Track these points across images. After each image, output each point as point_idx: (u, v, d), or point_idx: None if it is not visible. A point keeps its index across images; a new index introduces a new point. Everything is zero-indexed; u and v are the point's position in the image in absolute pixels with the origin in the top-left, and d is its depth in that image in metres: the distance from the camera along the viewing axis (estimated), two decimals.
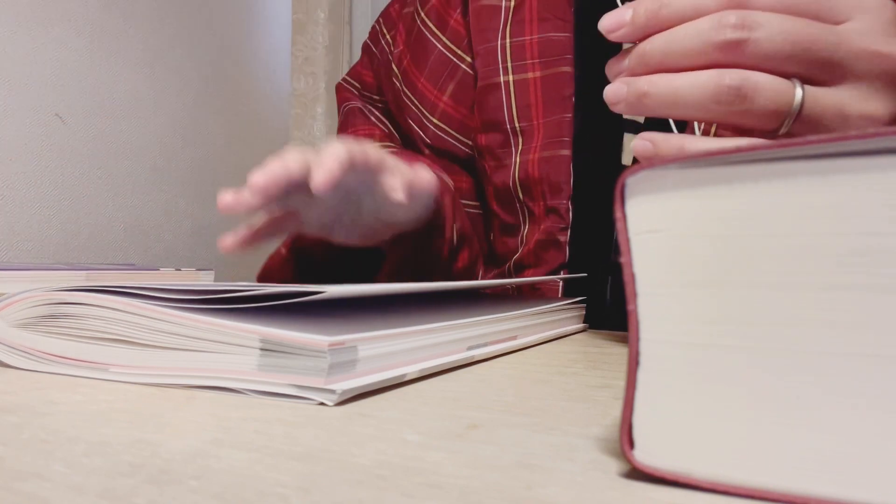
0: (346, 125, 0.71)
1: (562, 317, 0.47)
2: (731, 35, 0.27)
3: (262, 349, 0.22)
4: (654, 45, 0.30)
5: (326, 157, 0.36)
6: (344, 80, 0.76)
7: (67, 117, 0.95)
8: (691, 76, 0.29)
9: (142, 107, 1.06)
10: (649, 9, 0.30)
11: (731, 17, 0.27)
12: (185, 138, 1.14)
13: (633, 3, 0.30)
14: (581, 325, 0.52)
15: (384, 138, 0.69)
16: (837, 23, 0.29)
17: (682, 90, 0.29)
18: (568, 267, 0.56)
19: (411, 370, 0.25)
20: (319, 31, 1.30)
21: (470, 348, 0.32)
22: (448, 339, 0.30)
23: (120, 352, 0.24)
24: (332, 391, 0.21)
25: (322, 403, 0.21)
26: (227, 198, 0.36)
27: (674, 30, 0.29)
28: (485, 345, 0.33)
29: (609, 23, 0.31)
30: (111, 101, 1.01)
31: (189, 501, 0.13)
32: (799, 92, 0.28)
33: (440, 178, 0.57)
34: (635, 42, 0.31)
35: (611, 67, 0.32)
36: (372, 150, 0.41)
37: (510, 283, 0.37)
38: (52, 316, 0.25)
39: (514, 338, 0.38)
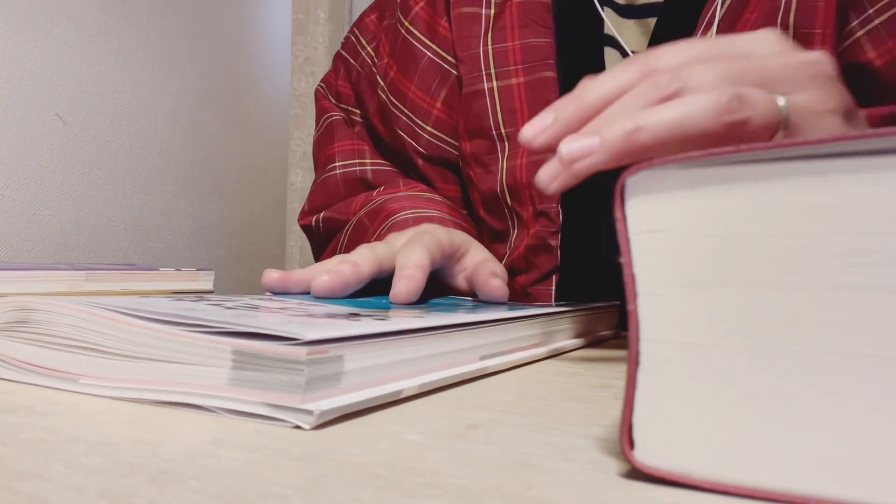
0: (331, 138, 0.70)
1: (587, 321, 0.43)
2: (672, 88, 0.27)
3: (234, 359, 0.19)
4: (598, 121, 0.28)
5: (411, 267, 0.37)
6: (320, 86, 0.74)
7: (67, 117, 0.95)
8: (685, 100, 0.27)
9: (142, 107, 1.06)
10: (570, 103, 0.28)
11: (662, 78, 0.27)
12: (184, 138, 1.14)
13: (550, 106, 0.29)
14: (611, 332, 0.48)
15: (374, 155, 0.68)
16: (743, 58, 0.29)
17: (685, 112, 0.26)
18: (560, 270, 0.56)
19: (409, 385, 0.22)
20: (319, 31, 1.30)
21: (483, 358, 0.28)
22: (456, 347, 0.26)
23: (90, 361, 0.22)
24: (309, 412, 0.18)
25: (298, 427, 0.18)
26: (273, 277, 0.38)
27: (607, 110, 0.28)
28: (501, 354, 0.30)
29: (531, 131, 0.29)
30: (111, 101, 1.01)
31: (189, 501, 0.13)
32: (780, 98, 0.28)
33: (463, 222, 0.59)
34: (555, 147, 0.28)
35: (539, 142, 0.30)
36: (447, 241, 0.44)
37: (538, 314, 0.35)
38: (23, 321, 0.24)
39: (536, 346, 0.34)
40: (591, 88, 0.29)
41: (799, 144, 0.13)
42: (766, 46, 0.29)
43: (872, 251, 0.13)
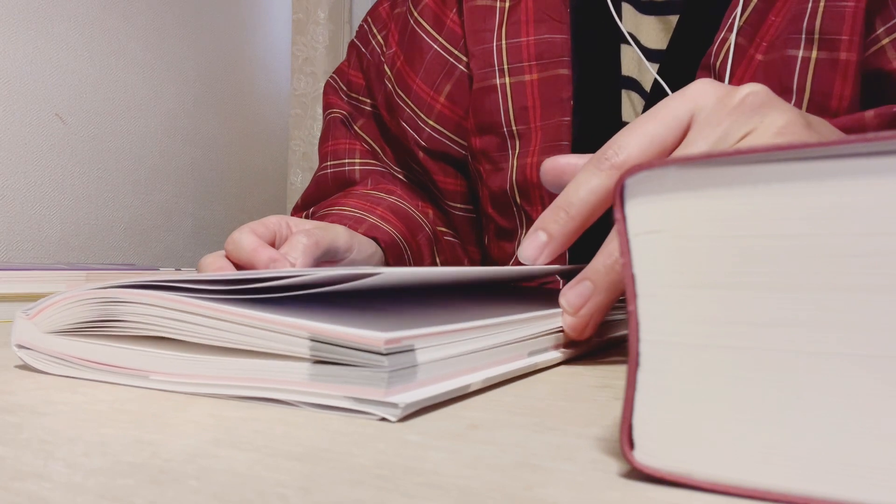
0: (328, 136, 0.70)
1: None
2: (606, 162, 0.31)
3: (312, 352, 0.20)
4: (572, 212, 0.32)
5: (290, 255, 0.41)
6: (332, 78, 0.74)
7: (67, 117, 0.95)
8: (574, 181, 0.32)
9: (142, 107, 1.06)
10: (556, 217, 0.32)
11: (604, 152, 0.32)
12: (184, 138, 1.14)
13: (539, 221, 0.32)
14: None
15: (366, 154, 0.68)
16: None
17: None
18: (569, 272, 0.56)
19: (475, 379, 0.23)
20: (319, 31, 1.30)
21: (531, 354, 0.28)
22: (508, 340, 0.27)
23: (161, 358, 0.23)
24: (395, 405, 0.19)
25: (384, 419, 0.19)
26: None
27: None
28: (546, 350, 0.30)
29: (531, 253, 0.32)
30: (111, 101, 1.01)
31: (189, 501, 0.13)
32: None
33: (409, 221, 0.60)
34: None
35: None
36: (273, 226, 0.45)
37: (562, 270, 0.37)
38: (90, 318, 0.24)
39: (589, 338, 0.32)
40: (572, 198, 0.32)
41: (799, 147, 0.13)
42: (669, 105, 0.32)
43: (872, 252, 0.13)
